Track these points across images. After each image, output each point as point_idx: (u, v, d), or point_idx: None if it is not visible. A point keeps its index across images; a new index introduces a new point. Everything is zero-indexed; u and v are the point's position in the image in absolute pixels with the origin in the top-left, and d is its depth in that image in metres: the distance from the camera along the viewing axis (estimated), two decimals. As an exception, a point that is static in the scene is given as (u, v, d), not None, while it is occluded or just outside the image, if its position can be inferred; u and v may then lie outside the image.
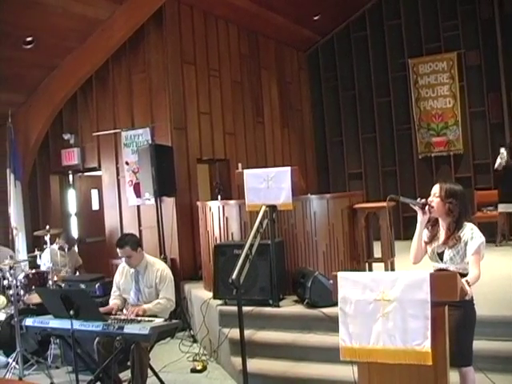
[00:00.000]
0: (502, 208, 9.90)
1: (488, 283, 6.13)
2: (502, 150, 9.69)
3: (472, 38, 11.35)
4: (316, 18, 11.68)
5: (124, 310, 5.72)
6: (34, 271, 7.30)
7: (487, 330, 5.01)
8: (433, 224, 4.06)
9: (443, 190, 3.96)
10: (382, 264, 7.15)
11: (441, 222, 4.01)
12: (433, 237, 4.04)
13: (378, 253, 7.33)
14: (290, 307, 6.40)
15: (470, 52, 11.38)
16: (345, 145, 12.71)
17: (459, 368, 3.79)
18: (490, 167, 10.72)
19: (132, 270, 5.79)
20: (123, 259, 5.76)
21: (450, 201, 3.91)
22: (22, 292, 6.98)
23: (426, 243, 4.06)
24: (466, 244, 3.85)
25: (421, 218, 4.02)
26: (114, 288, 5.95)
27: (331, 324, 5.32)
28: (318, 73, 13.06)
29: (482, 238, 3.86)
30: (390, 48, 12.14)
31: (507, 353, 4.83)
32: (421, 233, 4.05)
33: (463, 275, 3.65)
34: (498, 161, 9.75)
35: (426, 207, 3.97)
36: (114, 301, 5.86)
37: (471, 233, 3.87)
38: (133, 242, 5.69)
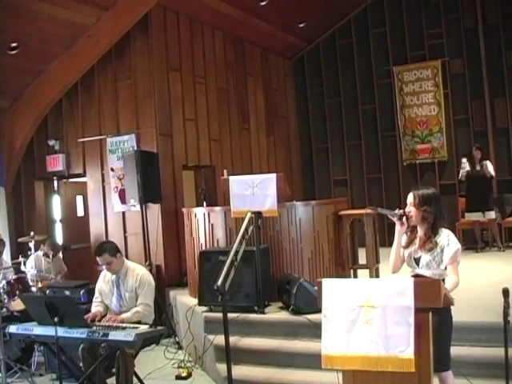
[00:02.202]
0: (469, 217, 10.03)
1: (472, 289, 6.18)
2: (464, 160, 9.85)
3: (456, 47, 11.48)
4: (302, 25, 11.74)
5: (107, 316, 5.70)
6: (16, 277, 7.24)
7: (471, 335, 5.05)
8: (412, 229, 4.09)
9: (417, 197, 3.99)
10: (367, 270, 7.18)
11: (418, 227, 4.04)
12: (410, 241, 4.07)
13: (362, 259, 7.36)
14: (275, 314, 6.40)
15: (454, 60, 11.51)
16: (330, 151, 12.76)
17: (438, 373, 3.82)
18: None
19: (113, 276, 5.76)
20: (104, 267, 5.75)
21: (424, 209, 3.94)
22: (6, 298, 6.93)
23: (404, 247, 4.09)
24: (442, 250, 3.89)
25: (399, 229, 4.06)
26: (97, 294, 5.93)
27: (316, 330, 5.30)
28: (303, 80, 13.11)
29: (458, 245, 3.91)
30: (375, 55, 12.23)
31: (491, 358, 4.85)
32: (399, 243, 4.09)
33: None
34: (460, 172, 9.92)
35: (404, 218, 4.01)
36: (96, 308, 5.82)
37: (447, 239, 3.91)
38: (111, 249, 5.66)
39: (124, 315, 5.49)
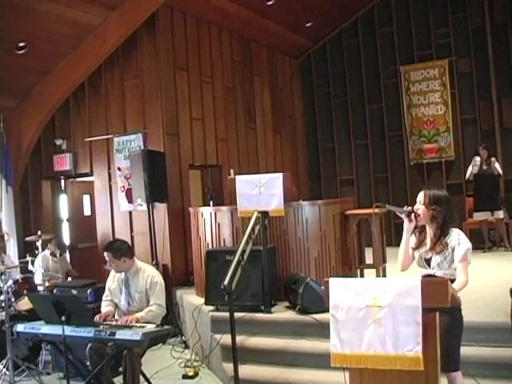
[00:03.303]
0: (477, 216, 10.01)
1: (479, 289, 6.17)
2: (478, 158, 9.83)
3: (463, 46, 11.45)
4: (308, 24, 11.73)
5: (116, 316, 5.71)
6: (23, 276, 7.27)
7: (478, 336, 5.03)
8: (420, 230, 4.08)
9: (427, 196, 4.00)
10: (374, 270, 7.17)
11: (427, 228, 4.04)
12: (420, 242, 4.07)
13: (369, 259, 7.34)
14: (281, 313, 6.39)
15: (461, 59, 11.48)
16: (337, 151, 12.75)
17: (447, 373, 3.81)
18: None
19: (123, 275, 5.76)
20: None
21: (433, 207, 3.94)
22: (12, 298, 6.95)
23: (414, 249, 4.08)
24: (453, 250, 3.88)
25: (407, 226, 4.05)
26: (107, 292, 5.92)
27: (323, 330, 5.32)
28: (310, 79, 13.11)
29: (469, 244, 3.90)
30: (381, 55, 12.21)
31: (498, 359, 4.85)
32: (407, 240, 4.08)
33: (451, 281, 3.67)
34: (470, 170, 9.89)
35: (412, 215, 4.00)
36: (107, 307, 5.80)
37: (458, 239, 3.90)
38: (117, 250, 5.63)
39: (138, 314, 5.47)
